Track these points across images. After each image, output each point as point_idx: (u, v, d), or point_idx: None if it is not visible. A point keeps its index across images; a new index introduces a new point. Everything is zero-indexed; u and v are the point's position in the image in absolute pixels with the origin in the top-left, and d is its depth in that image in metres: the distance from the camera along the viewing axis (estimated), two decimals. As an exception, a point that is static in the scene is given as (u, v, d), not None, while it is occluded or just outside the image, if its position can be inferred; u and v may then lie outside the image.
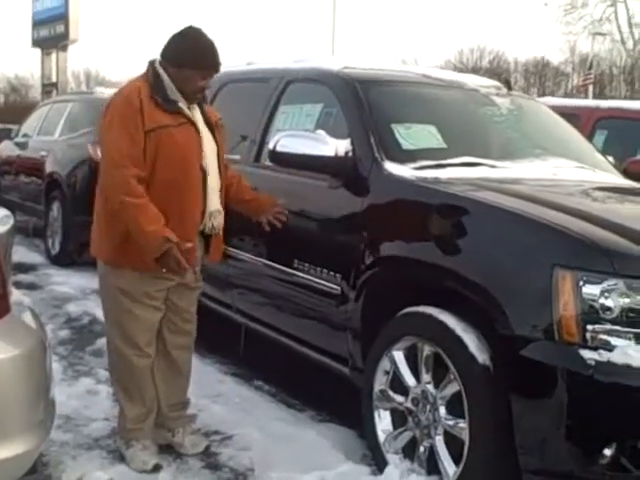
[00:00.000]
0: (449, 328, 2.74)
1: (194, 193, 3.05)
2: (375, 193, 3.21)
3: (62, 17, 18.33)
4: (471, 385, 2.66)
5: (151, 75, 3.04)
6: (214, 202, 3.14)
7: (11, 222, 2.47)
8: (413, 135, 3.45)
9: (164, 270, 2.91)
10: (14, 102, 45.66)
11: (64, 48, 18.93)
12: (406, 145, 3.38)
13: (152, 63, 3.08)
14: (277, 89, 4.14)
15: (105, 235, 3.08)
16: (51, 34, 19.06)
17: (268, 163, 3.75)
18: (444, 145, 3.47)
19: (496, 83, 4.28)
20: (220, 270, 4.14)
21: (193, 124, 3.06)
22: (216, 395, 3.93)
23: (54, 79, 19.43)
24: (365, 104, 3.48)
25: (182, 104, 3.04)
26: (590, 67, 23.65)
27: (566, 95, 31.21)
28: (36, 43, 20.09)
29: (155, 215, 2.89)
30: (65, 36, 18.34)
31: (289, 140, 3.41)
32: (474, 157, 3.39)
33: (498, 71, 35.42)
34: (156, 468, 3.12)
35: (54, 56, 19.35)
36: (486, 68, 38.50)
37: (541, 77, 41.18)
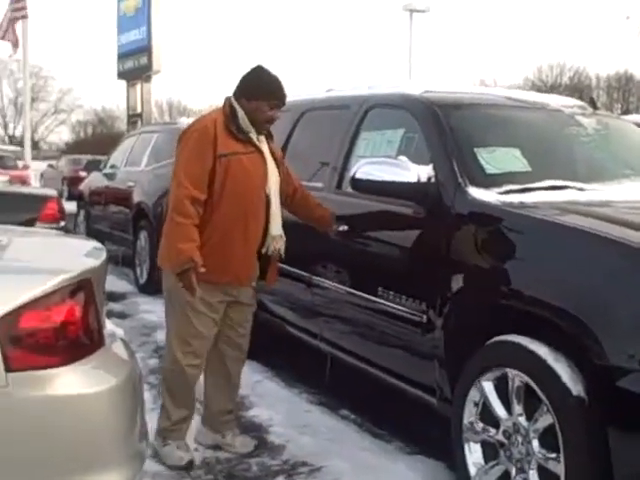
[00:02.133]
0: (540, 358, 2.65)
1: (258, 215, 3.38)
2: (459, 219, 3.16)
3: (145, 49, 18.93)
4: (565, 418, 2.56)
5: (227, 108, 3.40)
6: (276, 227, 3.46)
7: (104, 256, 2.53)
8: (497, 159, 3.38)
9: (180, 285, 3.21)
10: (101, 133, 47.37)
11: (148, 79, 19.51)
12: (490, 169, 3.32)
13: (228, 98, 3.45)
14: (357, 115, 4.15)
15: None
16: (135, 66, 19.69)
17: (350, 190, 3.76)
18: (529, 168, 3.39)
19: (580, 103, 4.18)
20: (305, 299, 4.15)
21: (261, 153, 3.41)
22: (303, 425, 3.92)
23: (139, 110, 20.02)
24: (447, 129, 3.44)
25: (253, 134, 3.39)
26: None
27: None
28: (121, 75, 20.78)
29: (191, 236, 3.20)
30: (148, 67, 18.91)
31: (370, 167, 3.42)
32: (560, 180, 3.30)
33: (579, 87, 34.67)
34: (190, 464, 3.39)
35: (138, 87, 19.95)
36: (566, 85, 37.76)
37: (624, 92, 40.11)
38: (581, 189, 3.27)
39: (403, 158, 3.41)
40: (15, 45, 17.70)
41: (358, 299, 3.76)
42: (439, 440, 3.34)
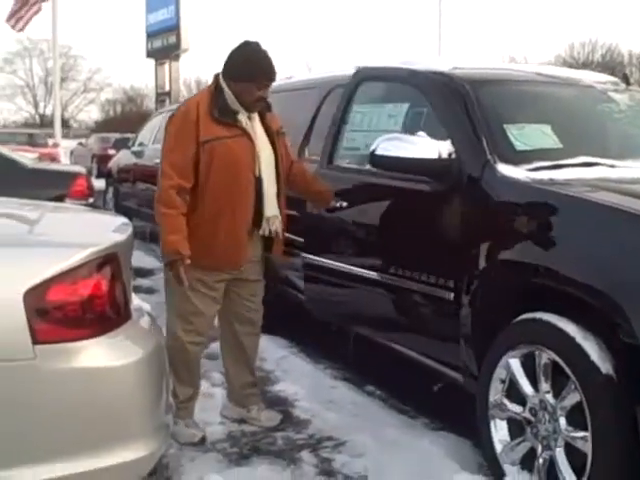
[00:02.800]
0: (569, 336, 2.62)
1: (245, 198, 3.31)
2: (488, 196, 3.11)
3: (174, 28, 18.99)
4: (593, 396, 2.53)
5: (214, 88, 3.32)
6: (271, 208, 3.40)
7: (130, 229, 2.55)
8: (527, 135, 3.32)
9: (170, 273, 3.24)
10: (130, 112, 47.59)
11: (176, 58, 19.57)
12: (520, 146, 3.26)
13: (217, 77, 3.36)
14: (347, 90, 4.23)
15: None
16: (164, 45, 19.76)
17: (340, 164, 3.89)
18: (560, 145, 3.33)
19: (613, 79, 4.10)
20: (330, 283, 4.16)
21: (248, 135, 3.30)
22: (329, 401, 3.93)
23: (167, 88, 20.11)
24: (476, 105, 3.39)
25: (242, 115, 3.31)
26: None
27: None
28: (150, 54, 20.86)
29: (178, 227, 3.18)
30: (177, 46, 18.97)
31: (389, 143, 3.36)
32: (592, 157, 3.24)
33: (611, 64, 34.08)
34: (202, 440, 3.40)
35: (167, 66, 20.03)
36: (598, 62, 37.11)
37: (658, 69, 39.29)
38: (612, 166, 3.21)
39: (422, 134, 3.36)
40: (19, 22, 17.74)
41: (380, 281, 3.70)
42: (464, 417, 3.32)
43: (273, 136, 3.43)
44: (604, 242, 2.64)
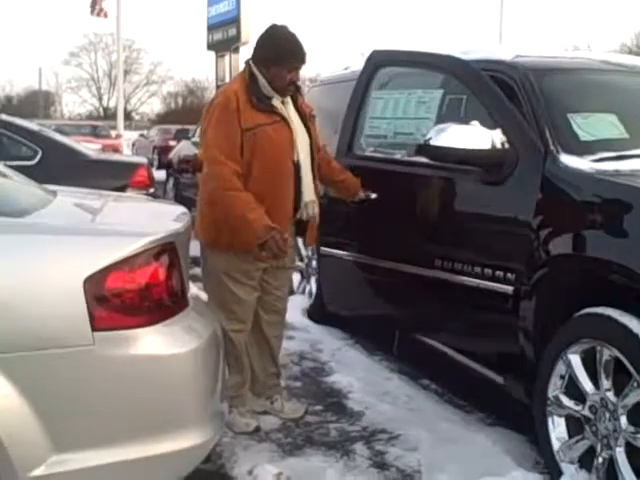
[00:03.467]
0: (632, 332, 2.55)
1: (286, 186, 3.32)
2: (550, 188, 3.04)
3: (234, 21, 19.07)
4: (656, 394, 2.47)
5: (248, 75, 3.31)
6: (308, 193, 3.40)
7: (188, 219, 2.56)
8: (592, 125, 3.23)
9: (263, 254, 3.18)
10: (191, 104, 48.17)
11: (236, 50, 19.65)
12: (584, 136, 3.17)
13: (248, 63, 3.35)
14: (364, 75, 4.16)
15: (207, 220, 3.34)
16: (224, 37, 19.87)
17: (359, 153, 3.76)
18: (626, 135, 3.23)
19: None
20: (372, 284, 4.08)
21: (286, 122, 3.30)
22: (383, 393, 3.91)
23: (227, 80, 20.19)
24: (539, 94, 3.31)
25: (276, 100, 3.29)
26: None
27: None
28: (211, 47, 21.01)
29: (255, 205, 3.16)
30: (237, 39, 19.05)
31: (443, 133, 3.30)
32: (659, 148, 3.14)
33: (681, 54, 33.01)
34: (257, 429, 3.42)
35: (227, 58, 20.13)
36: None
37: None
38: (681, 157, 3.10)
39: (476, 123, 3.30)
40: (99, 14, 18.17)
41: (425, 275, 3.61)
42: (522, 413, 3.26)
43: (306, 120, 3.43)
44: (672, 236, 2.55)
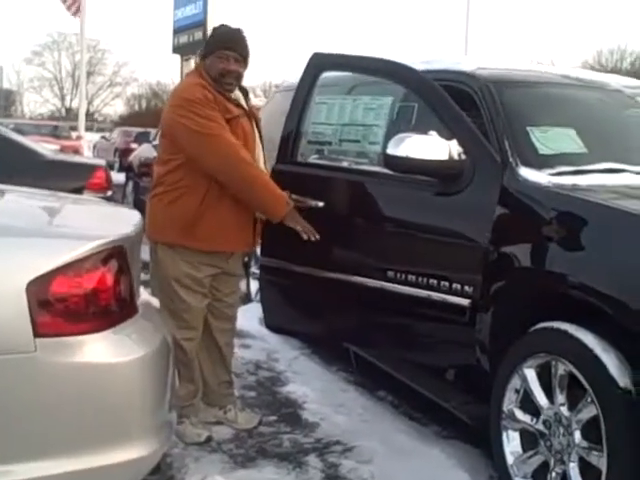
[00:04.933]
0: (587, 347, 2.54)
1: None
2: (508, 200, 3.03)
3: (200, 24, 18.98)
4: (611, 410, 2.45)
5: (204, 72, 3.22)
6: None
7: (140, 223, 2.49)
8: (550, 139, 3.24)
9: (297, 227, 3.28)
10: (155, 107, 47.76)
11: (202, 54, 19.55)
12: (543, 150, 3.17)
13: (198, 64, 3.32)
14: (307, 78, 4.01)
15: (174, 219, 3.23)
16: (190, 41, 19.77)
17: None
18: (584, 150, 3.24)
19: (643, 83, 3.99)
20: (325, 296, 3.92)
21: (248, 116, 3.29)
22: (339, 404, 3.85)
23: (193, 85, 20.07)
24: (499, 105, 3.30)
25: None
26: None
27: None
28: (176, 50, 20.90)
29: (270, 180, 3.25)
30: (203, 42, 18.93)
31: (402, 143, 3.25)
32: (617, 163, 3.15)
33: (641, 72, 33.72)
34: (209, 440, 3.32)
35: (192, 62, 20.01)
36: (627, 70, 36.75)
37: (689, 77, 38.80)
38: (639, 173, 3.12)
39: (434, 133, 3.27)
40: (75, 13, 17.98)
41: (375, 287, 3.52)
42: (476, 426, 3.24)
43: (256, 119, 3.40)
44: (628, 251, 2.56)
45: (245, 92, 3.42)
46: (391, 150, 3.23)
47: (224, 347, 3.56)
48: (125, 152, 19.61)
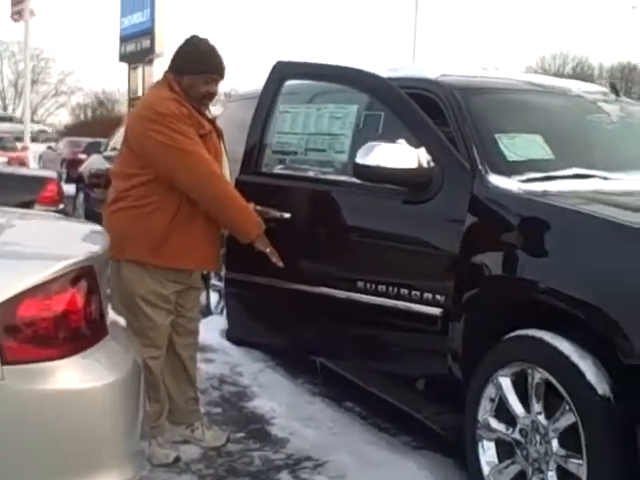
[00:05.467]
0: (563, 354, 2.53)
1: None
2: (479, 208, 3.01)
3: (148, 32, 18.80)
4: (589, 417, 2.44)
5: (175, 85, 3.16)
6: None
7: (107, 240, 2.40)
8: (518, 145, 3.23)
9: (267, 250, 3.25)
10: (101, 116, 47.10)
11: (150, 62, 19.36)
12: (511, 156, 3.16)
13: (167, 75, 3.24)
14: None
15: (142, 235, 3.14)
16: (137, 49, 19.58)
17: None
18: (552, 156, 3.24)
19: (603, 89, 4.03)
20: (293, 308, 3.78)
21: (217, 133, 3.26)
22: (307, 418, 3.79)
23: (140, 93, 19.87)
24: (466, 113, 3.29)
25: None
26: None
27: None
28: (123, 58, 20.66)
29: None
30: (151, 51, 18.77)
31: (371, 152, 3.20)
32: (584, 168, 3.16)
33: (582, 77, 34.47)
34: (177, 460, 3.24)
35: (140, 70, 19.81)
36: (569, 74, 37.57)
37: (627, 82, 39.85)
38: (606, 178, 3.14)
39: (402, 141, 3.23)
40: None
41: (345, 299, 3.44)
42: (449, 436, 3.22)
43: (221, 137, 3.36)
44: (601, 257, 2.56)
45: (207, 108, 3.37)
46: (360, 159, 3.18)
47: (187, 361, 3.48)
48: (72, 163, 19.28)
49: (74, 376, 1.99)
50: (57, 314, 1.99)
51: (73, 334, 2.02)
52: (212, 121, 3.28)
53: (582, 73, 38.81)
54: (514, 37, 65.96)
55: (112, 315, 2.56)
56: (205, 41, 3.25)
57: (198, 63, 3.17)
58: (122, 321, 2.64)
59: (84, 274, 2.09)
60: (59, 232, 2.61)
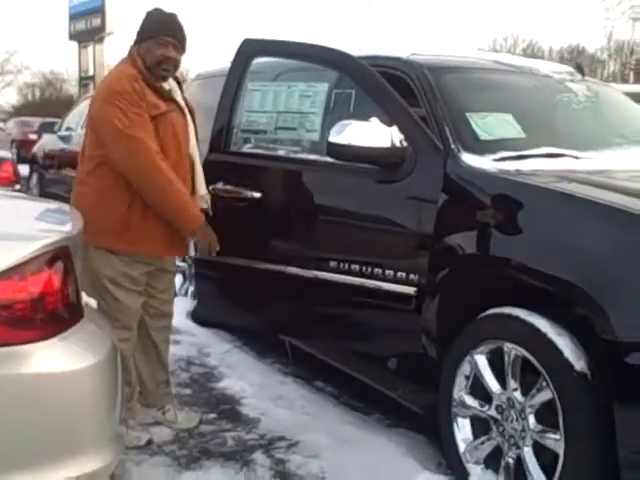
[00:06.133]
0: (540, 331, 2.55)
1: (187, 178, 3.18)
2: (452, 187, 3.01)
3: (99, 10, 18.45)
4: (566, 394, 2.46)
5: (139, 60, 3.08)
6: (202, 186, 3.29)
7: (82, 220, 2.33)
8: (489, 125, 3.23)
9: (204, 241, 3.19)
10: (50, 96, 46.11)
11: (101, 41, 19.02)
12: (483, 135, 3.17)
13: (132, 48, 3.16)
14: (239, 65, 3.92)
15: (101, 222, 3.05)
16: (87, 27, 19.20)
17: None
18: (523, 135, 3.26)
19: (569, 68, 4.06)
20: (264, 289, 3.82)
21: (182, 110, 3.16)
22: (278, 397, 3.78)
23: (91, 72, 19.54)
24: (437, 92, 3.28)
25: (166, 85, 3.12)
26: (631, 53, 23.20)
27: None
28: (73, 37, 20.24)
29: (187, 193, 3.09)
30: (102, 29, 18.43)
31: (344, 130, 3.18)
32: (555, 147, 3.18)
33: (532, 59, 34.87)
34: (149, 442, 3.22)
35: (91, 49, 19.45)
36: (519, 55, 37.98)
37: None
38: (577, 157, 3.17)
39: (375, 120, 3.22)
40: None
41: (317, 278, 3.46)
42: (415, 413, 3.23)
43: (191, 112, 3.28)
44: (576, 235, 2.57)
45: (179, 83, 3.29)
46: (333, 138, 3.15)
47: (160, 345, 3.44)
48: (23, 143, 18.85)
49: (53, 359, 1.93)
50: (33, 296, 1.93)
51: (50, 316, 1.97)
52: (174, 100, 3.16)
53: (532, 55, 39.21)
54: (466, 19, 66.24)
55: (85, 297, 2.50)
56: (162, 10, 3.18)
57: (153, 28, 3.11)
58: (93, 303, 2.57)
59: (60, 255, 2.03)
60: (30, 212, 2.52)
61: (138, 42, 3.13)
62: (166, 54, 3.08)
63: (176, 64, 3.14)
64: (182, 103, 3.21)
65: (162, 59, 3.07)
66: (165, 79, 3.14)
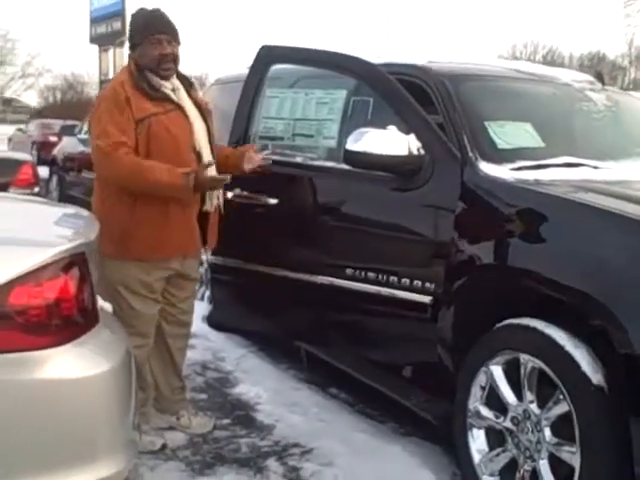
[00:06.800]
0: (557, 343, 2.52)
1: None
2: (470, 196, 2.99)
3: (119, 14, 18.60)
4: (583, 407, 2.43)
5: (132, 66, 3.09)
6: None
7: (97, 226, 2.34)
8: (508, 133, 3.21)
9: (214, 184, 3.07)
10: (70, 99, 46.51)
11: (121, 44, 19.14)
12: (502, 144, 3.15)
13: (130, 56, 3.16)
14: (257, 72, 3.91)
15: (107, 231, 2.96)
16: (108, 31, 19.36)
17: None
18: (542, 144, 3.23)
19: (589, 77, 4.02)
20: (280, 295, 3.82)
21: (181, 110, 3.10)
22: (293, 404, 3.77)
23: (111, 75, 19.64)
24: (455, 100, 3.26)
25: (166, 88, 3.08)
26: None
27: (622, 90, 30.35)
28: (94, 40, 20.41)
29: (158, 166, 2.94)
30: (122, 32, 18.56)
31: (362, 138, 3.17)
32: (574, 157, 3.15)
33: (552, 66, 34.74)
34: (163, 447, 3.21)
35: (111, 52, 19.60)
36: (540, 63, 37.84)
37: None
38: (596, 167, 3.14)
39: (393, 128, 3.21)
40: None
41: (334, 286, 3.45)
42: (430, 422, 3.21)
43: (202, 108, 3.23)
44: (595, 246, 2.54)
45: (189, 82, 3.25)
46: (351, 145, 3.15)
47: (176, 352, 3.43)
48: (43, 145, 18.98)
49: (67, 364, 1.94)
50: (49, 302, 1.94)
51: (65, 322, 1.97)
52: (170, 100, 3.10)
53: (552, 62, 39.10)
54: (486, 26, 66.18)
55: (100, 302, 2.51)
56: (144, 9, 3.15)
57: (142, 29, 3.08)
58: (109, 307, 2.58)
59: (76, 261, 2.04)
60: (47, 217, 2.53)
61: (132, 47, 3.12)
62: (162, 52, 3.05)
63: (175, 59, 3.10)
64: (185, 102, 3.14)
65: (160, 58, 3.05)
66: (169, 77, 3.11)
